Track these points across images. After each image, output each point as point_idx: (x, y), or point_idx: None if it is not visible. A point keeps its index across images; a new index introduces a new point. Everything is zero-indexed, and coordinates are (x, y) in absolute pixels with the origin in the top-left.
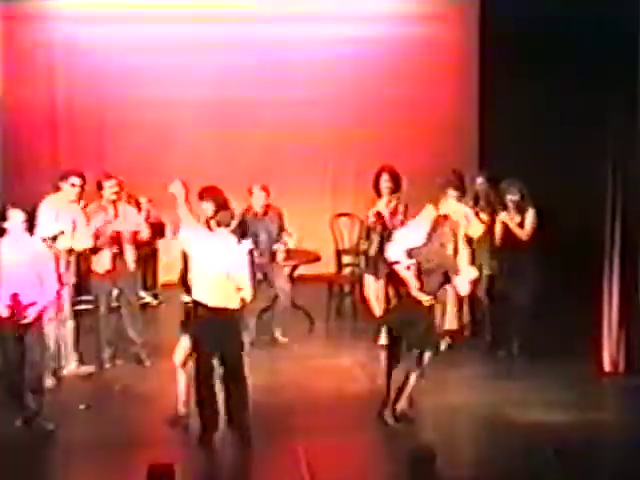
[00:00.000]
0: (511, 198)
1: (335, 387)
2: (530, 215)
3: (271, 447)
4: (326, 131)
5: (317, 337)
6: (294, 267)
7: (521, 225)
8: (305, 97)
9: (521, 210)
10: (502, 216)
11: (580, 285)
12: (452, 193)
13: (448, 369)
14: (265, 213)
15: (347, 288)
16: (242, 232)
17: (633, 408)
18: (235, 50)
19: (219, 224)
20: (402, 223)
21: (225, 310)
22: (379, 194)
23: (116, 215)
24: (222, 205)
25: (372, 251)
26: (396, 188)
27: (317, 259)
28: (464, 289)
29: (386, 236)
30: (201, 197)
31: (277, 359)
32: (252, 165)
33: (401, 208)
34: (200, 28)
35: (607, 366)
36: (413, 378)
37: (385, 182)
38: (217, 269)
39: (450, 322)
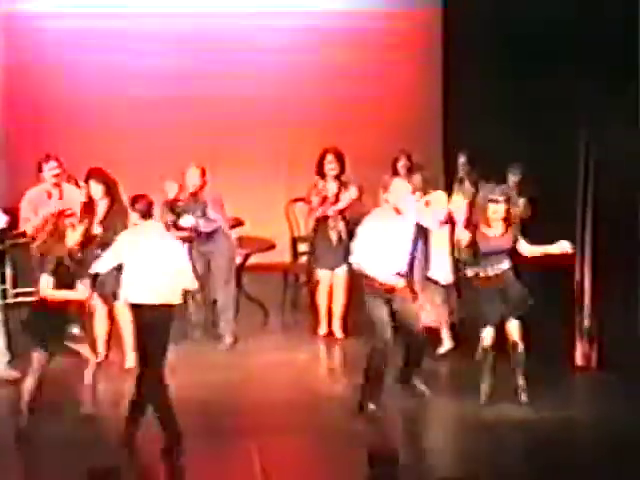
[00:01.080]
0: (513, 179)
1: (291, 383)
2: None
3: (223, 447)
4: (281, 113)
5: (272, 330)
6: (247, 256)
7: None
8: (259, 77)
9: (520, 194)
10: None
11: (549, 277)
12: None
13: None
14: (198, 195)
15: (303, 278)
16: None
17: (605, 405)
18: (187, 35)
19: (143, 216)
20: (348, 208)
21: (167, 307)
22: (323, 177)
23: (60, 197)
24: (112, 186)
25: (335, 235)
26: (342, 170)
27: (271, 247)
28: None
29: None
30: (88, 178)
31: (229, 354)
32: (202, 149)
33: (352, 191)
34: (150, 19)
35: (579, 360)
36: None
37: (329, 164)
38: (149, 264)
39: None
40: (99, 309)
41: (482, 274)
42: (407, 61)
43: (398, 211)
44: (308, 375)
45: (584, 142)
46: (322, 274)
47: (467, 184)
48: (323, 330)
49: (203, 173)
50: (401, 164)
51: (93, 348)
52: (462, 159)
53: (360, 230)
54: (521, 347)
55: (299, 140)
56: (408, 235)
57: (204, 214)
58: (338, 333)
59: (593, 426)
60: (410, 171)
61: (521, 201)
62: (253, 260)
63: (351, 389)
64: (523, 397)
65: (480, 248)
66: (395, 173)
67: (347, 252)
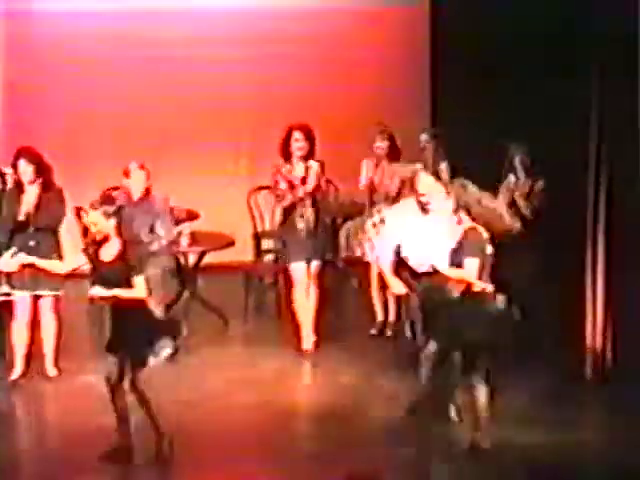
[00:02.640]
0: (519, 160)
1: (253, 403)
2: (539, 187)
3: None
4: (242, 89)
5: (232, 340)
6: (201, 254)
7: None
8: (219, 52)
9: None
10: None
11: (557, 276)
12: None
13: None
14: (145, 197)
15: (269, 279)
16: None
17: (620, 425)
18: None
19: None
20: (318, 191)
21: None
22: (288, 157)
23: None
24: (45, 170)
25: (303, 225)
26: (311, 151)
27: (231, 244)
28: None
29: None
30: (17, 158)
31: (178, 370)
32: (150, 130)
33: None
34: None
35: (589, 374)
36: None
37: (296, 142)
38: None
39: None
40: (21, 316)
41: None
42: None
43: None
44: (273, 393)
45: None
46: (296, 267)
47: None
48: (308, 344)
49: (148, 175)
50: (376, 146)
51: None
52: (424, 136)
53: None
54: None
55: (263, 120)
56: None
57: (152, 229)
58: (310, 336)
59: (606, 450)
60: (390, 155)
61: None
62: (209, 259)
63: (328, 409)
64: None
65: None
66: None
67: (319, 244)
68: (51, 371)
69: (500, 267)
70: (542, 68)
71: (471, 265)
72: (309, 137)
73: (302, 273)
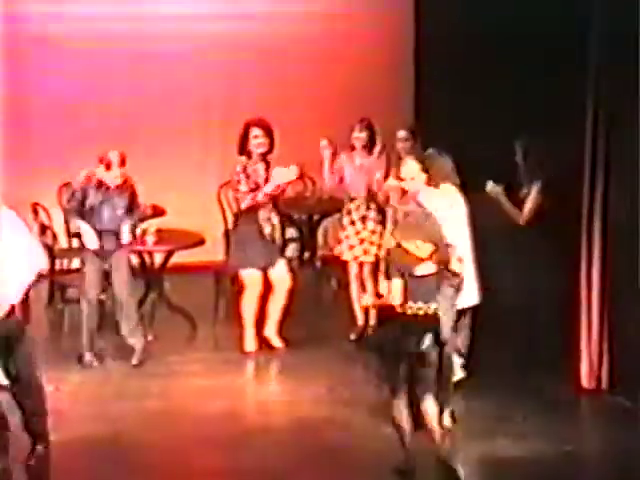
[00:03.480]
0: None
1: (223, 415)
2: (535, 190)
3: None
4: (213, 79)
5: (200, 346)
6: (168, 253)
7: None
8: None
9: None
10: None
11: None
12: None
13: None
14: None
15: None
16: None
17: (618, 436)
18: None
19: None
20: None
21: None
22: (249, 155)
23: None
24: None
25: (269, 229)
26: (270, 147)
27: (200, 242)
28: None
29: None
30: None
31: (143, 377)
32: (115, 122)
33: (290, 173)
34: None
35: (586, 382)
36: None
37: (255, 139)
38: None
39: None
40: None
41: None
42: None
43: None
44: (244, 404)
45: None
46: (248, 275)
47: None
48: (250, 346)
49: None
50: (355, 135)
51: None
52: (402, 133)
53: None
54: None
55: (234, 112)
56: None
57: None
58: (275, 340)
59: (603, 462)
60: (369, 147)
61: (532, 187)
62: (177, 259)
63: (296, 420)
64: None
65: None
66: (352, 146)
67: (276, 248)
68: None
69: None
70: (526, 68)
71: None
72: (268, 133)
73: (255, 282)
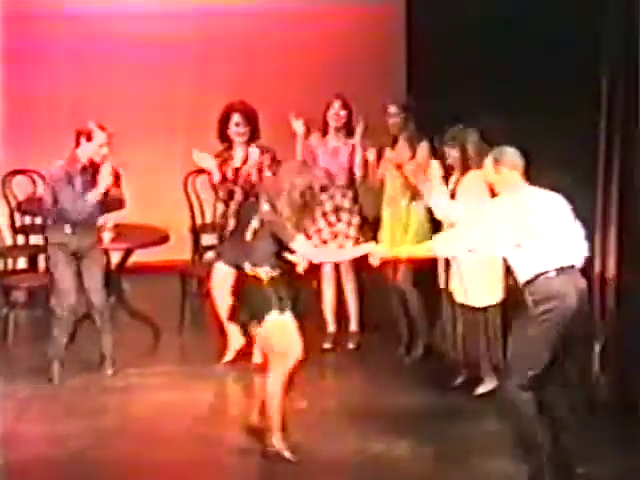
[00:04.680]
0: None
1: (189, 435)
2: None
3: None
4: (179, 59)
5: (163, 357)
6: (127, 252)
7: None
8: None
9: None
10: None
11: None
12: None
13: None
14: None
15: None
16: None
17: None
18: None
19: None
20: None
21: None
22: (229, 142)
23: None
24: None
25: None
26: (253, 133)
27: (164, 239)
28: None
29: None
30: None
31: (100, 390)
32: (63, 101)
33: (266, 160)
34: None
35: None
36: None
37: (236, 127)
38: None
39: None
40: None
41: None
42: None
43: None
44: (213, 423)
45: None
46: (218, 268)
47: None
48: (230, 355)
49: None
50: (332, 113)
51: None
52: (392, 109)
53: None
54: None
55: (202, 89)
56: None
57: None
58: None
59: None
60: (348, 126)
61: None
62: (137, 257)
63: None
64: None
65: None
66: (325, 126)
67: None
68: None
69: None
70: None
71: None
72: (251, 119)
73: (221, 277)
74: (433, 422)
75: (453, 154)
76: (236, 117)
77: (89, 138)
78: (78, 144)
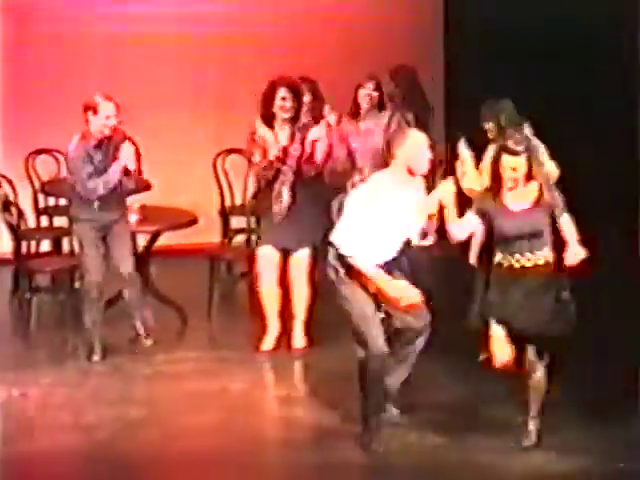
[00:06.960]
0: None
1: (219, 424)
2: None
3: None
4: (206, 43)
5: (192, 344)
6: (155, 235)
7: None
8: None
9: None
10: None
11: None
12: None
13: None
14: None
15: (240, 267)
16: None
17: None
18: None
19: None
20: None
21: None
22: (272, 119)
23: None
24: None
25: (277, 208)
26: (298, 110)
27: (193, 222)
28: None
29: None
30: None
31: (128, 379)
32: (90, 83)
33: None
34: None
35: None
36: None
37: (282, 101)
38: None
39: None
40: None
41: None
42: None
43: (411, 172)
44: (245, 410)
45: None
46: (263, 254)
47: None
48: (269, 344)
49: (117, 108)
50: (364, 93)
51: None
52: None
53: (349, 202)
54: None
55: (232, 68)
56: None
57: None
58: (299, 341)
59: None
60: (379, 106)
61: (546, 160)
62: (164, 240)
63: (313, 431)
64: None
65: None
66: (356, 108)
67: (303, 231)
68: None
69: None
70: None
71: None
72: (297, 95)
73: (269, 262)
74: None
75: (489, 126)
76: (283, 91)
77: (95, 111)
78: (87, 120)
